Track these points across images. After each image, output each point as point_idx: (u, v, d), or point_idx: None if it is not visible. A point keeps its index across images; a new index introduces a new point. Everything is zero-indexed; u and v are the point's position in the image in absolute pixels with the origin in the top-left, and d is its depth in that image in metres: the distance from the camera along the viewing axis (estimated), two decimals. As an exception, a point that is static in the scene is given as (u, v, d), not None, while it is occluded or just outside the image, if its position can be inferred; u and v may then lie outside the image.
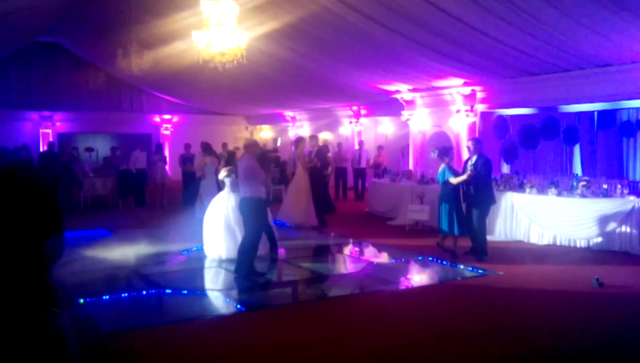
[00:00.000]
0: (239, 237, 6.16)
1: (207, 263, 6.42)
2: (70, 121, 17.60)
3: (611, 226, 6.73)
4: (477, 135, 10.41)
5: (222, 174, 6.63)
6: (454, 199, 6.64)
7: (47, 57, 16.69)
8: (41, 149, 15.62)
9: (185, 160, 11.76)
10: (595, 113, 10.75)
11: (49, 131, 17.16)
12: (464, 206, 6.75)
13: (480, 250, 6.57)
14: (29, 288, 1.45)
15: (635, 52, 7.21)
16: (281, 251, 7.12)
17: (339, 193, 13.39)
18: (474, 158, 6.57)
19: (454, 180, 6.57)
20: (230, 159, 7.32)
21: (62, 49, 16.61)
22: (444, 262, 6.47)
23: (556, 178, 8.00)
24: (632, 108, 10.05)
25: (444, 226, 6.75)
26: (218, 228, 6.49)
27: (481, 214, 6.55)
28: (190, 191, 11.28)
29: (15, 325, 1.43)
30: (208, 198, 7.24)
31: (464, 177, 6.50)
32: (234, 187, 6.37)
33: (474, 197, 6.55)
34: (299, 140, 9.74)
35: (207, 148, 9.67)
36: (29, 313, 1.44)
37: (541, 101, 9.31)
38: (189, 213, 9.40)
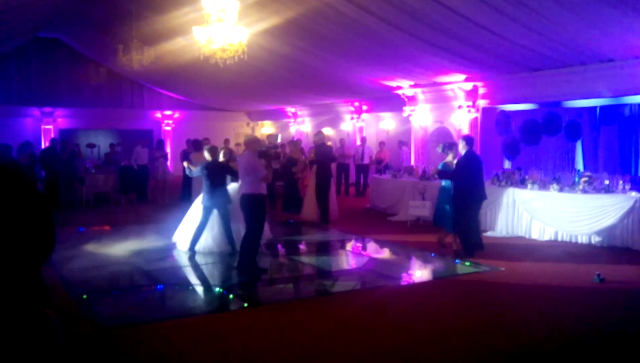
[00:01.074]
0: (215, 233, 6.44)
1: (208, 259, 6.44)
2: (71, 117, 17.61)
3: (613, 222, 6.73)
4: (478, 131, 10.39)
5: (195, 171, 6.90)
6: (449, 195, 6.66)
7: (47, 53, 16.67)
8: (43, 146, 15.64)
9: (187, 156, 11.78)
10: (598, 108, 10.70)
11: (50, 127, 17.18)
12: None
13: (465, 247, 6.48)
14: (18, 289, 1.42)
15: (638, 47, 7.17)
16: (282, 247, 7.12)
17: (341, 189, 13.39)
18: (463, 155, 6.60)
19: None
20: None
21: (63, 44, 16.59)
22: (444, 258, 6.48)
23: (558, 173, 7.99)
24: (635, 103, 10.00)
25: (436, 220, 6.95)
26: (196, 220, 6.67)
27: (464, 210, 6.49)
28: (189, 187, 11.30)
29: (3, 327, 1.39)
30: (196, 193, 7.39)
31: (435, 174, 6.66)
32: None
33: (458, 193, 6.54)
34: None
35: (196, 146, 9.88)
36: (18, 315, 1.41)
37: (543, 96, 9.28)
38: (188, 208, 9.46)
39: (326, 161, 9.37)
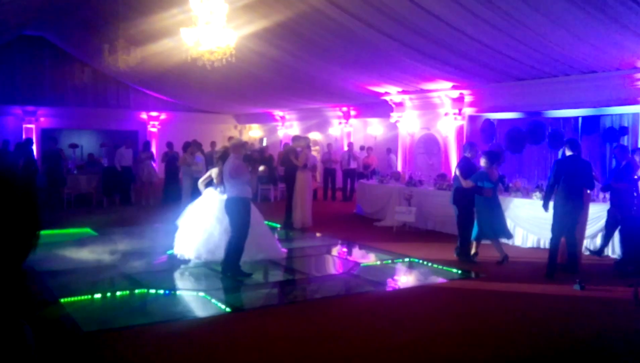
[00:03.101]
0: (215, 240, 6.19)
1: (192, 263, 6.36)
2: (54, 116, 17.27)
3: (593, 230, 6.85)
4: (464, 139, 10.50)
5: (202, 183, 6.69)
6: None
7: (32, 51, 16.34)
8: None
9: (169, 158, 11.65)
10: (580, 119, 10.92)
11: (33, 126, 16.82)
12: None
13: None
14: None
15: (619, 59, 7.35)
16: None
17: (328, 193, 13.41)
18: None
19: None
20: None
21: (48, 43, 16.29)
22: (429, 264, 6.52)
23: (541, 182, 8.10)
24: (615, 114, 10.23)
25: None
26: (197, 227, 6.39)
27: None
28: (171, 189, 11.17)
29: None
30: (186, 196, 7.23)
31: None
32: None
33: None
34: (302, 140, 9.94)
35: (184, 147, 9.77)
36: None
37: (527, 105, 9.44)
38: (175, 211, 9.32)
39: (289, 166, 9.28)
